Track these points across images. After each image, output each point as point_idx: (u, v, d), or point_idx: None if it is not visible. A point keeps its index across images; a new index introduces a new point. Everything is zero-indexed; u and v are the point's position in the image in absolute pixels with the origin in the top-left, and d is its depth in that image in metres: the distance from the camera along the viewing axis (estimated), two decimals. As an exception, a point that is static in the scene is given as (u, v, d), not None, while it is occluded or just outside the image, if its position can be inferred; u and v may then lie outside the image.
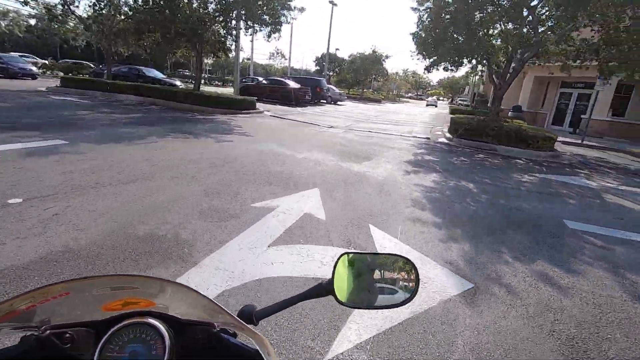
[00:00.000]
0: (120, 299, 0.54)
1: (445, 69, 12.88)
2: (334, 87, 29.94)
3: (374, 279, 0.74)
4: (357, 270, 0.74)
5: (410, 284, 0.73)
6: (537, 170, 8.00)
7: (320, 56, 54.70)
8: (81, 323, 0.53)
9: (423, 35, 12.36)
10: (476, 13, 10.62)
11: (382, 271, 0.75)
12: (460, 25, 10.54)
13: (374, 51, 45.26)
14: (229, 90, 23.45)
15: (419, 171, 6.67)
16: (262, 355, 0.53)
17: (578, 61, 10.82)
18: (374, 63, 45.48)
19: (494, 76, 11.68)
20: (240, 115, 13.06)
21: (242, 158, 6.11)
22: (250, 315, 0.68)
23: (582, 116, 17.12)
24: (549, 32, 9.78)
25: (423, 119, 20.70)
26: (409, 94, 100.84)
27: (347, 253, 0.74)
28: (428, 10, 11.86)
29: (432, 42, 11.86)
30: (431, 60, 13.07)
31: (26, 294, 0.48)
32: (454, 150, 9.71)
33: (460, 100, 62.68)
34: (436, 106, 55.77)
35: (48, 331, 0.50)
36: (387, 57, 45.42)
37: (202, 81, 18.70)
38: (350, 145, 8.87)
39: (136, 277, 0.54)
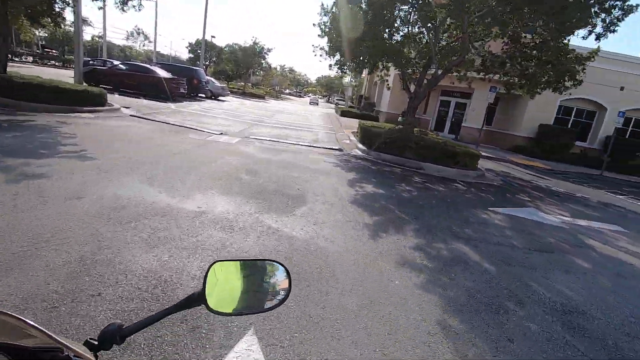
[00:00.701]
0: None
1: (356, 70, 11.37)
2: (213, 80, 26.01)
3: (248, 285, 0.76)
4: (229, 277, 0.74)
5: (282, 287, 0.76)
6: (486, 200, 6.98)
7: (194, 42, 48.58)
8: None
9: (334, 35, 10.54)
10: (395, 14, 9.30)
11: (255, 277, 0.78)
12: (378, 25, 9.06)
13: (255, 43, 42.29)
14: (69, 74, 17.34)
15: (384, 225, 4.61)
16: None
17: (482, 73, 10.61)
18: (255, 55, 42.60)
19: (408, 83, 10.67)
20: (81, 115, 8.82)
21: (53, 243, 2.87)
22: (113, 335, 0.64)
23: (464, 124, 18.32)
24: (470, 43, 9.05)
25: (316, 121, 19.30)
26: (288, 91, 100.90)
27: (218, 261, 0.74)
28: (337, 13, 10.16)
29: (345, 43, 10.17)
30: (338, 59, 11.38)
31: None
32: (382, 171, 8.11)
33: (337, 99, 65.24)
34: (317, 104, 56.41)
35: None
36: (269, 50, 43.05)
37: (24, 59, 12.83)
38: (261, 169, 6.28)
39: None
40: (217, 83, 25.81)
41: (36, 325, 0.52)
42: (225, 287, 0.74)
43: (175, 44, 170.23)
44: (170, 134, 8.20)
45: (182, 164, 5.65)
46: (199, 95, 22.02)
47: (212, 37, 49.13)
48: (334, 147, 10.39)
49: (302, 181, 5.91)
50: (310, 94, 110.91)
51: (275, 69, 74.91)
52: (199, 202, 4.11)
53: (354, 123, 18.73)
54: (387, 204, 5.42)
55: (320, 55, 12.17)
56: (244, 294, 0.75)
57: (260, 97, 38.34)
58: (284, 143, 9.78)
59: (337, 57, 11.58)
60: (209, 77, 24.94)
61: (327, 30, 10.82)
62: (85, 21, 55.36)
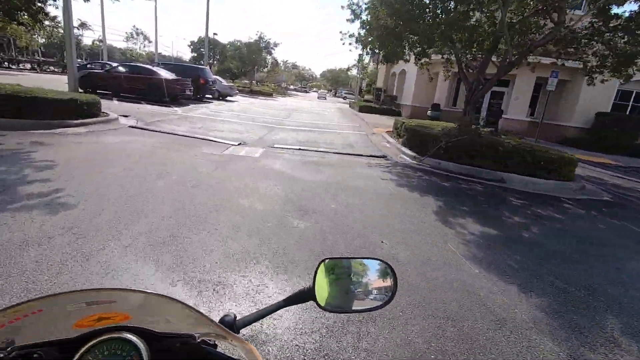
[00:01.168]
0: (94, 314, 0.52)
1: (397, 56, 9.48)
2: (220, 79, 24.20)
3: (353, 283, 0.76)
4: (336, 275, 0.75)
5: (388, 287, 0.75)
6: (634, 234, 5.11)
7: (196, 40, 46.78)
8: (50, 342, 0.50)
9: (372, 17, 8.61)
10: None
11: (361, 275, 0.77)
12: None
13: (260, 37, 40.31)
14: (66, 80, 15.64)
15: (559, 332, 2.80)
16: None
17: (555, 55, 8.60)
18: (260, 51, 40.66)
19: (466, 69, 8.73)
20: (68, 130, 7.09)
21: None
22: (230, 325, 0.65)
23: (505, 116, 16.26)
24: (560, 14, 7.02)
25: (337, 120, 17.46)
26: (293, 87, 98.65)
27: (326, 259, 0.75)
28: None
29: (387, 33, 8.27)
30: (372, 44, 9.48)
31: (8, 309, 0.46)
32: (460, 189, 6.24)
33: (345, 93, 63.06)
34: (326, 99, 54.34)
35: (15, 352, 0.47)
36: (276, 44, 41.05)
37: (22, 66, 11.17)
38: (308, 201, 4.48)
39: (113, 290, 0.52)
40: (224, 82, 23.98)
41: (196, 308, 0.53)
42: (333, 284, 0.74)
43: (176, 44, 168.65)
44: (178, 150, 6.43)
45: (200, 207, 3.86)
46: (206, 96, 20.26)
47: (215, 34, 47.27)
48: (376, 155, 8.54)
49: (372, 220, 4.09)
50: (314, 89, 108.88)
51: (282, 64, 72.63)
52: (243, 304, 2.32)
53: (380, 120, 16.87)
54: (525, 261, 3.56)
55: (350, 44, 10.29)
56: (350, 291, 0.75)
57: (268, 94, 36.44)
58: (316, 152, 7.97)
59: (372, 44, 9.65)
60: (215, 76, 23.14)
61: (361, 11, 8.92)
62: (84, 25, 53.95)
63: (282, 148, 7.94)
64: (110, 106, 10.57)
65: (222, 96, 22.23)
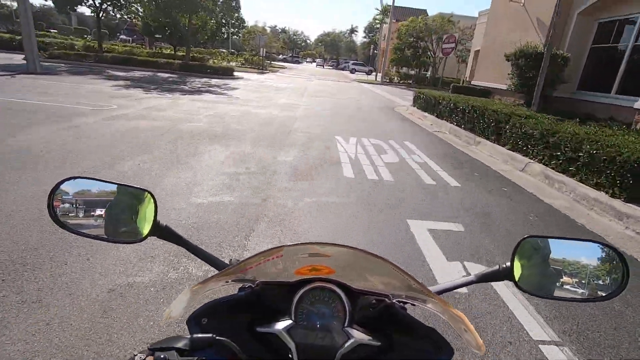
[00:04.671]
0: (310, 265, 0.61)
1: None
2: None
3: (563, 266, 0.66)
4: (541, 255, 0.67)
5: (613, 277, 0.63)
6: None
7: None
8: (279, 283, 0.64)
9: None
10: None
11: (576, 260, 0.66)
12: None
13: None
14: None
15: None
16: (440, 334, 0.58)
17: None
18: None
19: None
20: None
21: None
22: None
23: None
24: None
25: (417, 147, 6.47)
26: (282, 56, 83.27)
27: (531, 236, 0.68)
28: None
29: None
30: None
31: (256, 256, 0.56)
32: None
33: (353, 65, 49.61)
34: (323, 67, 41.67)
35: (260, 286, 0.63)
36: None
37: None
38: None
39: (334, 245, 0.57)
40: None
41: (402, 269, 0.56)
42: (535, 265, 0.68)
43: None
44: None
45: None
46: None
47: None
48: None
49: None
50: (309, 59, 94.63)
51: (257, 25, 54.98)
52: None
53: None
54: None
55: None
56: (557, 275, 0.65)
57: (222, 73, 20.64)
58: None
59: None
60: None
61: None
62: None
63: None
64: None
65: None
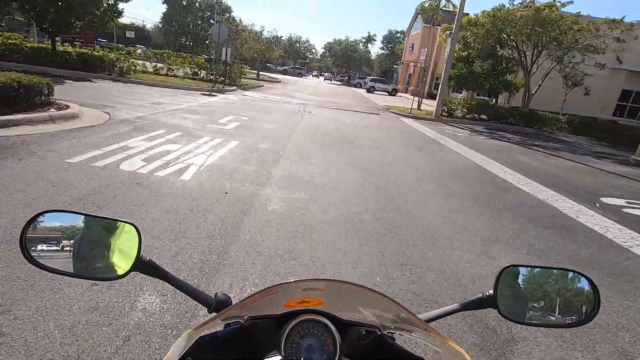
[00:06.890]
0: (300, 298, 0.59)
1: None
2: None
3: (538, 293, 0.70)
4: (522, 283, 0.70)
5: (585, 304, 0.68)
6: None
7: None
8: (267, 316, 0.61)
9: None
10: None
11: (553, 287, 0.70)
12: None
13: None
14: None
15: None
16: None
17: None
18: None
19: None
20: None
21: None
22: None
23: None
24: None
25: None
26: (283, 67, 72.63)
27: (513, 265, 0.70)
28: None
29: None
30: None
31: (253, 295, 0.54)
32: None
33: (372, 81, 38.60)
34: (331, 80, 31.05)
35: (248, 321, 0.61)
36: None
37: None
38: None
39: (328, 281, 0.57)
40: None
41: (394, 300, 0.55)
42: (514, 292, 0.70)
43: None
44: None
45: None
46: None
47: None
48: None
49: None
50: (314, 71, 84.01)
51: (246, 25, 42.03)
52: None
53: None
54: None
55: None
56: (536, 302, 0.69)
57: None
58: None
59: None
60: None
61: None
62: None
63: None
64: None
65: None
